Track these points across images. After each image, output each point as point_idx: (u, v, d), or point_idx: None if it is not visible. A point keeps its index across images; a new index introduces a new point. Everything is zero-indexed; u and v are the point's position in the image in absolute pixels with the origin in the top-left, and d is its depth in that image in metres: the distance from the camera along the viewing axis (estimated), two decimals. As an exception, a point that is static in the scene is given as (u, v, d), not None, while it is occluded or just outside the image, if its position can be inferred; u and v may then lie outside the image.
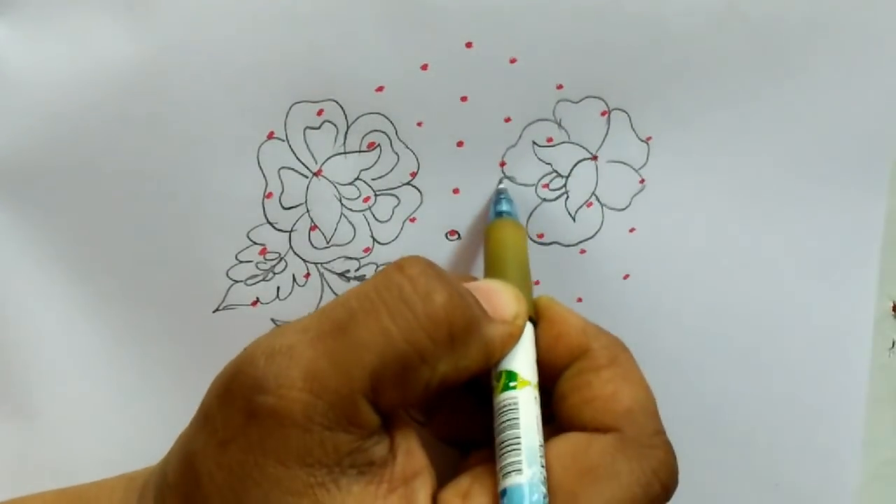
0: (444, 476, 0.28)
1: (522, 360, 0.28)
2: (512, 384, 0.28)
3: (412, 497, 0.26)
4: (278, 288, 0.35)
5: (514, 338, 0.28)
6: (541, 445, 0.27)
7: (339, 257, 0.35)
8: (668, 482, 0.27)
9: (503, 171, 0.35)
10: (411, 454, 0.26)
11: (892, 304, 0.40)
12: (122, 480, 0.30)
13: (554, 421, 0.29)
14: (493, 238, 0.33)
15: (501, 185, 0.35)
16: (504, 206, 0.34)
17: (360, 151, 0.34)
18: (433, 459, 0.27)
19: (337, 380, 0.25)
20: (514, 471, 0.26)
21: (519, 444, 0.26)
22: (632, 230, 0.36)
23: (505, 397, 0.28)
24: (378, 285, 0.26)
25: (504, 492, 0.26)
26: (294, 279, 0.35)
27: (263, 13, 0.32)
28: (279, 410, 0.25)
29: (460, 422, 0.31)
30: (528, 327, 0.29)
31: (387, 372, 0.25)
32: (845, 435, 0.40)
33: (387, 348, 0.25)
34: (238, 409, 0.25)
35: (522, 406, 0.27)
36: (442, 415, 0.31)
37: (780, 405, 0.40)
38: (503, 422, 0.27)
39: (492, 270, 0.32)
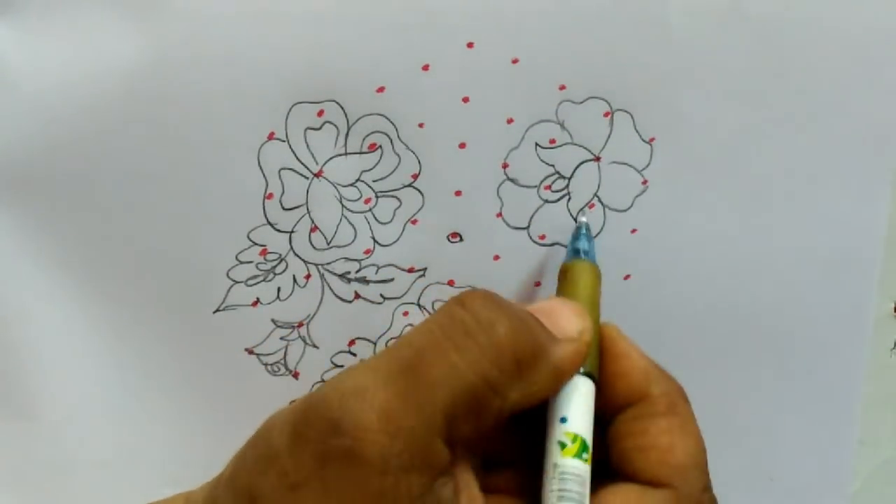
0: None
1: (589, 424, 0.29)
2: (585, 456, 0.28)
3: None
4: (279, 289, 0.35)
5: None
6: None
7: (339, 258, 0.35)
8: None
9: (505, 173, 0.34)
10: (473, 499, 0.27)
11: (893, 305, 0.40)
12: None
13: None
14: (566, 282, 0.32)
15: (583, 219, 0.34)
16: (582, 244, 0.33)
17: (360, 152, 0.33)
18: None
19: (412, 419, 0.25)
20: None
21: None
22: (634, 231, 0.36)
23: (578, 467, 0.28)
24: (441, 322, 0.26)
25: None
26: (294, 280, 0.35)
27: (264, 13, 0.31)
28: (356, 452, 0.24)
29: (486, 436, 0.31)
30: (589, 385, 0.29)
31: (459, 407, 0.25)
32: (844, 434, 0.41)
33: (457, 383, 0.25)
34: (312, 452, 0.25)
35: (587, 480, 0.28)
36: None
37: (781, 405, 0.40)
38: (571, 490, 0.27)
39: None
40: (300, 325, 0.35)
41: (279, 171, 0.33)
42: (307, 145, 0.33)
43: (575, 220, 0.35)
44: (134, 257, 0.34)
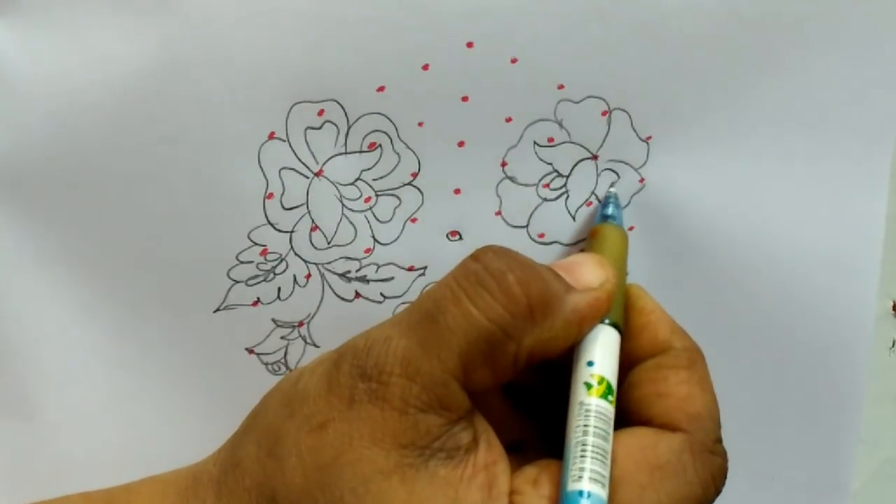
0: None
1: (614, 370, 0.29)
2: (610, 398, 0.29)
3: (493, 482, 0.27)
4: (279, 288, 0.35)
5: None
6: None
7: (340, 258, 0.35)
8: (721, 487, 0.30)
9: (504, 172, 0.35)
10: (491, 445, 0.28)
11: (892, 304, 0.40)
12: (158, 485, 0.30)
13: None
14: (594, 241, 0.33)
15: (612, 189, 0.35)
16: (610, 210, 0.34)
17: (361, 152, 0.34)
18: None
19: (429, 364, 0.27)
20: (597, 482, 0.27)
21: (606, 455, 0.28)
22: (631, 229, 0.36)
23: (604, 406, 0.28)
24: (457, 275, 0.28)
25: (582, 493, 0.27)
26: (295, 280, 0.35)
27: (263, 13, 0.32)
28: (379, 394, 0.27)
29: (500, 424, 0.31)
30: (615, 334, 0.30)
31: (474, 352, 0.27)
32: (845, 433, 0.40)
33: (471, 329, 0.27)
34: (340, 395, 0.27)
35: (611, 421, 0.28)
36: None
37: (780, 403, 0.40)
38: (598, 427, 0.28)
39: None
40: (301, 324, 0.35)
41: (279, 171, 0.33)
42: (307, 145, 0.33)
43: (608, 196, 0.35)
44: (134, 257, 0.34)
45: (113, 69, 0.31)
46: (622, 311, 0.31)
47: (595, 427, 0.28)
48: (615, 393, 0.29)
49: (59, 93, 0.31)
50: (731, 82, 0.35)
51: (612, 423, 0.28)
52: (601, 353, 0.29)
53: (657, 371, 0.30)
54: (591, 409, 0.28)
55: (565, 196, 0.35)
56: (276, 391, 0.29)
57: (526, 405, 0.32)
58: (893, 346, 0.40)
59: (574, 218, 0.35)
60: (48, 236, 0.33)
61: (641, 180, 0.36)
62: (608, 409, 0.28)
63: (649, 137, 0.35)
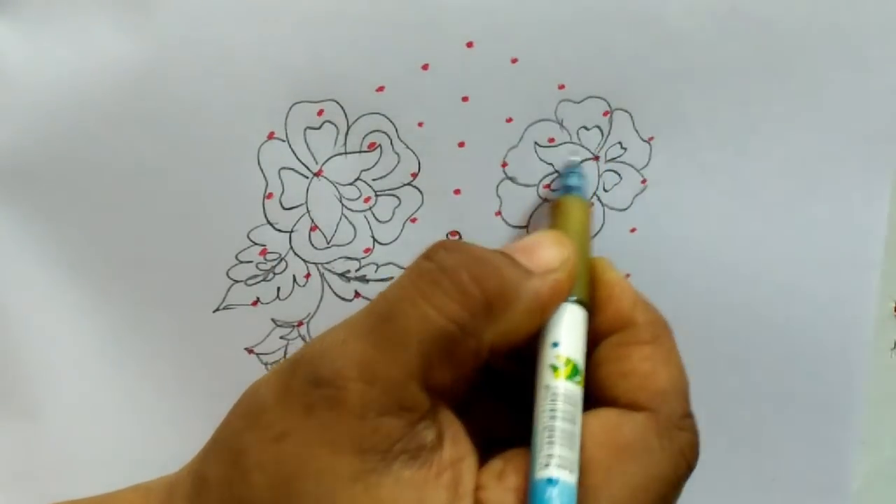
0: None
1: (581, 349, 0.29)
2: (577, 379, 0.28)
3: (459, 480, 0.26)
4: (278, 288, 0.35)
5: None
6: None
7: (339, 258, 0.35)
8: (693, 462, 0.29)
9: (505, 172, 0.34)
10: (457, 440, 0.27)
11: (893, 305, 0.40)
12: (140, 492, 0.30)
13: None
14: (556, 215, 0.32)
15: (574, 157, 0.34)
16: (573, 181, 0.34)
17: (360, 152, 0.34)
18: None
19: (387, 366, 0.26)
20: (565, 468, 0.26)
21: (574, 440, 0.27)
22: (633, 230, 0.36)
23: (571, 389, 0.28)
24: (411, 275, 0.27)
25: (551, 480, 0.26)
26: (294, 279, 0.35)
27: (263, 13, 0.31)
28: (336, 400, 0.26)
29: (488, 421, 0.31)
30: (581, 312, 0.29)
31: (433, 351, 0.26)
32: (845, 434, 0.40)
33: (428, 329, 0.26)
34: (296, 403, 0.26)
35: (579, 403, 0.28)
36: (471, 414, 0.32)
37: (780, 403, 0.40)
38: (565, 412, 0.27)
39: None
40: (300, 324, 0.35)
41: (279, 171, 0.33)
42: (307, 145, 0.33)
43: (569, 166, 0.34)
44: (134, 257, 0.34)
45: (113, 69, 0.31)
46: (587, 287, 0.30)
47: (563, 412, 0.27)
48: (583, 373, 0.28)
49: (59, 92, 0.31)
50: (734, 83, 0.35)
51: (580, 405, 0.28)
52: (566, 333, 0.29)
53: (620, 348, 0.29)
54: (559, 393, 0.27)
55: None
56: (237, 403, 0.28)
57: (511, 397, 0.32)
58: (894, 347, 0.40)
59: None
60: (48, 236, 0.33)
61: (643, 181, 0.36)
62: (575, 391, 0.28)
63: (651, 138, 0.35)
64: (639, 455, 0.27)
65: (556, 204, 0.33)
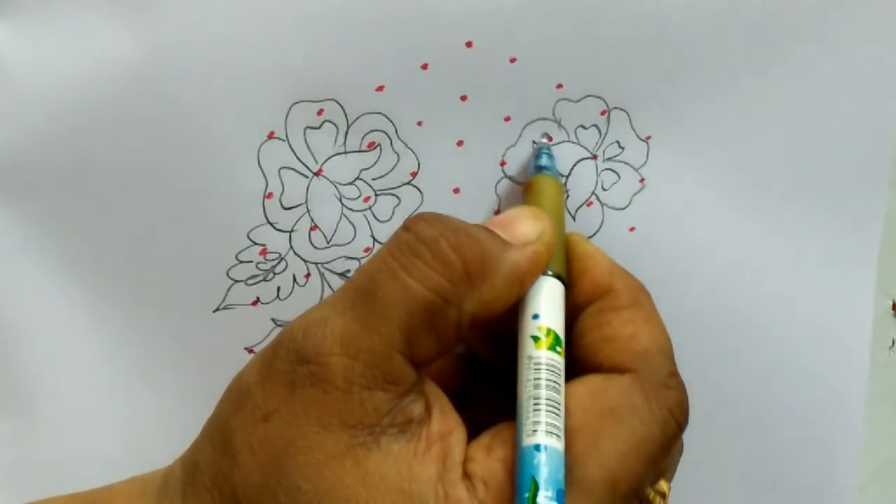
0: None
1: (560, 320, 0.29)
2: (559, 349, 0.28)
3: (448, 452, 0.26)
4: (279, 288, 0.35)
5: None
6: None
7: (339, 257, 0.35)
8: (682, 421, 0.29)
9: (503, 171, 0.35)
10: (445, 413, 0.27)
11: (891, 303, 0.40)
12: (136, 484, 0.30)
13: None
14: (529, 194, 0.33)
15: (543, 139, 0.34)
16: (544, 161, 0.34)
17: (360, 151, 0.34)
18: None
19: (370, 340, 0.26)
20: (552, 434, 0.26)
21: (559, 407, 0.27)
22: (632, 229, 0.36)
23: (553, 358, 0.28)
24: (390, 247, 0.27)
25: (538, 447, 0.26)
26: (294, 279, 0.35)
27: (263, 13, 0.32)
28: (320, 376, 0.26)
29: (483, 416, 0.31)
30: (558, 284, 0.29)
31: (415, 322, 0.26)
32: (845, 434, 0.40)
33: (409, 300, 0.26)
34: (280, 383, 0.26)
35: (562, 372, 0.28)
36: (465, 410, 0.32)
37: (780, 404, 0.40)
38: (549, 380, 0.27)
39: None
40: (300, 323, 0.35)
41: (279, 171, 0.33)
42: (307, 144, 0.33)
43: (540, 148, 0.35)
44: (134, 256, 0.34)
45: (113, 69, 0.31)
46: (564, 261, 0.30)
47: (547, 380, 0.27)
48: (563, 343, 0.28)
49: (59, 92, 0.31)
50: (731, 82, 0.35)
51: (562, 374, 0.28)
52: (546, 304, 0.29)
53: (600, 315, 0.29)
54: (542, 362, 0.27)
55: (565, 196, 0.35)
56: (225, 392, 0.28)
57: (501, 389, 0.31)
58: (893, 345, 0.40)
59: (574, 218, 0.35)
60: (48, 236, 0.33)
61: (641, 180, 0.36)
62: (557, 360, 0.28)
63: (649, 137, 0.35)
64: (626, 417, 0.27)
65: (528, 184, 0.33)
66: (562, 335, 0.28)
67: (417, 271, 0.27)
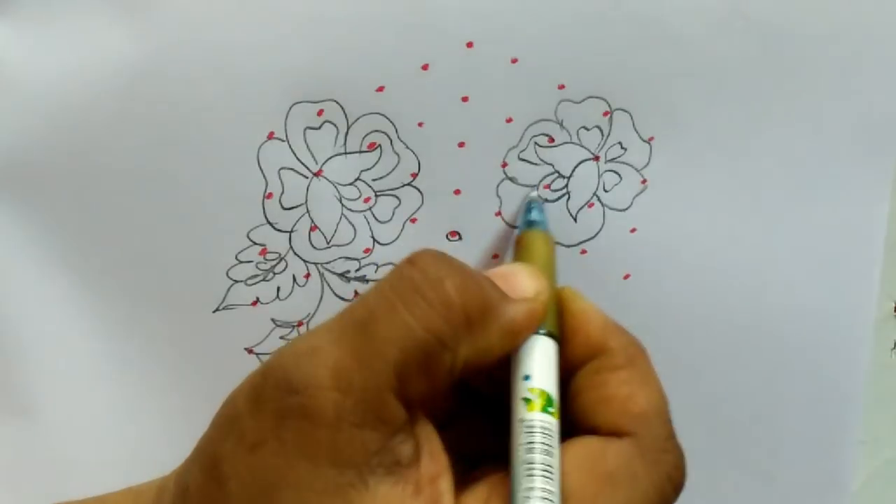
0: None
1: (553, 381, 0.28)
2: (551, 409, 0.27)
3: (438, 499, 0.26)
4: (278, 288, 0.35)
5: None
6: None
7: (339, 258, 0.35)
8: (680, 485, 0.28)
9: (504, 172, 0.34)
10: (435, 456, 0.27)
11: (893, 305, 0.40)
12: (129, 496, 0.30)
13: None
14: (521, 250, 0.32)
15: (533, 194, 0.35)
16: (534, 216, 0.34)
17: (360, 152, 0.34)
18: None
19: (362, 376, 0.25)
20: (548, 499, 0.26)
21: (552, 472, 0.26)
22: (633, 230, 0.36)
23: (546, 420, 0.27)
24: (392, 281, 0.27)
25: None
26: (294, 279, 0.35)
27: (263, 13, 0.31)
28: (309, 410, 0.25)
29: (472, 437, 0.31)
30: (552, 343, 0.29)
31: (410, 362, 0.26)
32: (845, 434, 0.40)
33: (407, 339, 0.26)
34: (268, 411, 0.25)
35: (556, 433, 0.27)
36: (454, 429, 0.31)
37: (781, 404, 0.40)
38: (543, 443, 0.27)
39: None
40: (300, 324, 0.35)
41: (279, 171, 0.33)
42: (307, 145, 0.33)
43: (530, 202, 0.35)
44: (133, 257, 0.34)
45: (113, 69, 0.31)
46: (556, 319, 0.30)
47: (540, 443, 0.27)
48: (556, 404, 0.28)
49: (59, 93, 0.31)
50: (734, 83, 0.35)
51: (556, 435, 0.27)
52: (538, 365, 0.28)
53: (596, 375, 0.29)
54: (535, 425, 0.27)
55: (566, 197, 0.35)
56: (217, 412, 0.27)
57: (490, 413, 0.31)
58: (895, 346, 0.40)
59: (575, 219, 0.35)
60: (48, 236, 0.33)
61: (644, 181, 0.36)
62: (550, 422, 0.27)
63: (651, 138, 0.35)
64: (624, 483, 0.27)
65: (519, 239, 0.33)
66: (555, 395, 0.28)
67: (419, 310, 0.26)
